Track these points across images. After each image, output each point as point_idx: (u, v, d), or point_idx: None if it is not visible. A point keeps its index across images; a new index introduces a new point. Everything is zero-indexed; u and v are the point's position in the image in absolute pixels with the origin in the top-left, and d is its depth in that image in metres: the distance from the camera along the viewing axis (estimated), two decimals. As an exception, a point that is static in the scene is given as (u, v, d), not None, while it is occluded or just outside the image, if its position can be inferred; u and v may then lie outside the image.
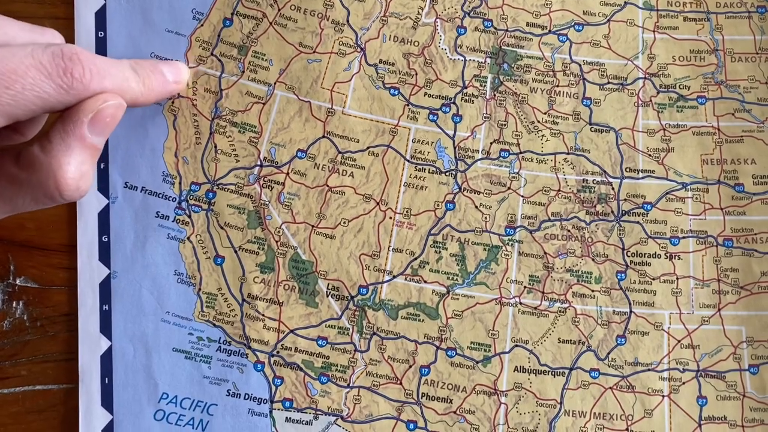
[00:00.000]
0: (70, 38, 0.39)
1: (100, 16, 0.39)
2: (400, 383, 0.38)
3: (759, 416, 0.38)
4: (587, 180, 0.40)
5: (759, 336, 0.38)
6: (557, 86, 0.40)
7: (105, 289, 0.38)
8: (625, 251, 0.39)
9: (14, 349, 0.38)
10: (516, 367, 0.38)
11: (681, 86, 0.40)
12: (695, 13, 0.41)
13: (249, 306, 0.38)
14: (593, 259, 0.39)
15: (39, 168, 0.30)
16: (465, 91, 0.40)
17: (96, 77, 0.31)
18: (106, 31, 0.39)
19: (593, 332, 0.38)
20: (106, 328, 0.38)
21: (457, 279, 0.39)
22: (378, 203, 0.39)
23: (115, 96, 0.32)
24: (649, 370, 0.38)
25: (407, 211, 0.39)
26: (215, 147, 0.39)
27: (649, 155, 0.40)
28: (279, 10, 0.40)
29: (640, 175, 0.40)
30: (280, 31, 0.40)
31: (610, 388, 0.38)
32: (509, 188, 0.40)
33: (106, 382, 0.38)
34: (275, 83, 0.39)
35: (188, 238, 0.39)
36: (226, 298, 0.38)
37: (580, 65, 0.41)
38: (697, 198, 0.40)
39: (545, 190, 0.40)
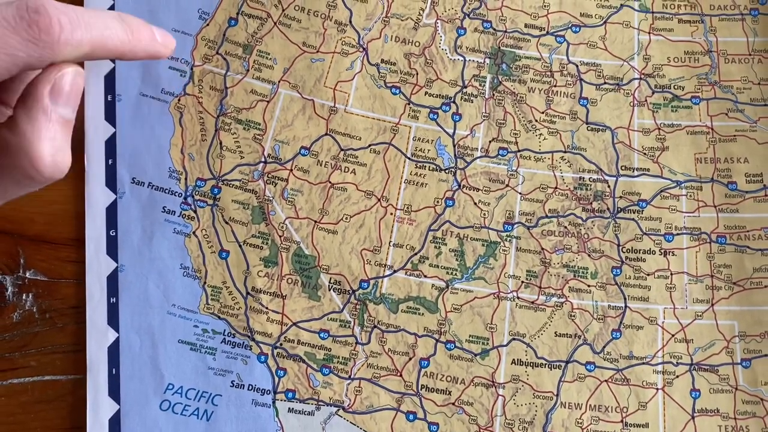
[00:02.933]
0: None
1: (109, 16, 0.40)
2: (400, 375, 0.39)
3: (751, 409, 0.39)
4: (584, 178, 0.41)
5: (751, 331, 0.39)
6: (555, 86, 0.41)
7: (112, 282, 0.39)
8: (620, 247, 0.40)
9: (24, 340, 0.39)
10: (513, 359, 0.39)
11: (675, 87, 0.41)
12: (689, 16, 0.42)
13: (253, 299, 0.39)
14: (589, 255, 0.40)
15: (11, 150, 0.29)
16: (465, 90, 0.41)
17: (66, 27, 0.29)
18: (114, 30, 0.40)
19: (589, 326, 0.39)
20: (113, 320, 0.39)
21: (456, 274, 0.40)
22: (379, 199, 0.40)
23: (71, 64, 0.31)
24: (643, 363, 0.39)
25: (408, 208, 0.40)
26: (220, 144, 0.40)
27: (644, 154, 0.41)
28: (283, 10, 0.41)
29: (636, 173, 0.41)
30: (284, 30, 0.41)
31: (606, 380, 0.39)
32: (507, 185, 0.40)
33: (113, 372, 0.38)
34: (279, 82, 0.40)
35: (194, 233, 0.39)
36: (231, 291, 0.39)
37: (577, 66, 0.42)
38: (691, 196, 0.40)
39: (542, 188, 0.40)
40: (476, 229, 0.40)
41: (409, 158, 0.40)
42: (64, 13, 0.29)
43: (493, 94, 0.41)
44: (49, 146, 0.30)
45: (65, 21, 0.29)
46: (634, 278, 0.40)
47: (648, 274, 0.40)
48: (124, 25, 0.32)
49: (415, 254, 0.40)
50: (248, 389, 0.39)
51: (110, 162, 0.40)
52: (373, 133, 0.41)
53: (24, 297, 0.39)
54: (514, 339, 0.39)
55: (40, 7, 0.29)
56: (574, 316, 0.39)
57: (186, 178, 0.40)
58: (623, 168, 0.41)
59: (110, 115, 0.40)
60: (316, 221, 0.40)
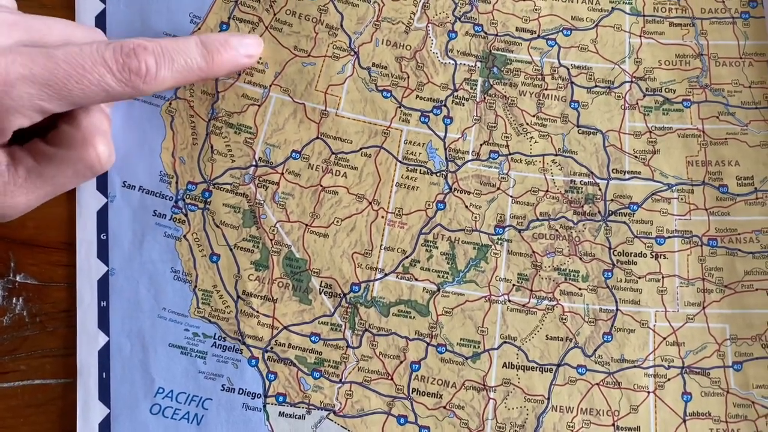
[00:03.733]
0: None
1: (100, 20, 0.40)
2: (391, 379, 0.39)
3: (742, 412, 0.39)
4: (575, 181, 0.41)
5: (742, 334, 0.39)
6: (546, 89, 0.41)
7: (103, 286, 0.39)
8: (611, 250, 0.40)
9: (14, 344, 0.39)
10: (505, 363, 0.39)
11: (667, 90, 0.41)
12: (681, 19, 0.42)
13: (244, 303, 0.39)
14: (580, 258, 0.40)
15: (75, 142, 0.34)
16: (456, 94, 0.41)
17: (152, 69, 0.34)
18: (106, 34, 0.40)
19: (580, 329, 0.39)
20: (103, 324, 0.39)
21: (447, 277, 0.40)
22: (370, 203, 0.40)
23: None
24: (635, 366, 0.39)
25: (399, 211, 0.40)
26: (211, 147, 0.40)
27: (636, 157, 0.41)
28: (274, 14, 0.41)
29: (627, 176, 0.41)
30: (275, 35, 0.41)
31: (597, 384, 0.39)
32: (498, 189, 0.40)
33: (104, 376, 0.38)
34: (270, 86, 0.40)
35: (185, 237, 0.39)
36: (222, 295, 0.39)
37: (568, 69, 0.42)
38: (682, 199, 0.40)
39: (534, 191, 0.40)
40: (467, 232, 0.40)
41: (400, 161, 0.40)
42: (151, 53, 0.34)
43: (485, 98, 0.41)
44: (102, 137, 0.35)
45: (152, 63, 0.34)
46: (626, 281, 0.40)
47: (639, 277, 0.40)
48: (203, 51, 0.36)
49: (407, 257, 0.40)
50: (239, 393, 0.38)
51: (101, 166, 0.40)
52: (365, 136, 0.41)
53: (14, 301, 0.39)
54: (505, 342, 0.39)
55: (132, 52, 0.33)
56: (565, 319, 0.39)
57: (177, 182, 0.40)
58: (614, 171, 0.41)
59: (101, 119, 0.40)
60: (307, 225, 0.40)
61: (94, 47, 0.33)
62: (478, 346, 0.39)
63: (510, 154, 0.41)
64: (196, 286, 0.39)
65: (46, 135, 0.34)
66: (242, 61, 0.39)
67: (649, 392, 0.39)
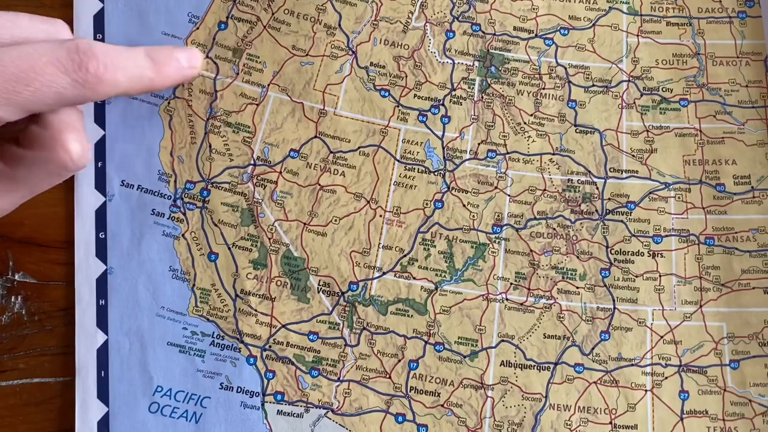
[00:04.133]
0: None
1: (99, 20, 0.41)
2: (389, 377, 0.39)
3: (739, 410, 0.39)
4: (572, 180, 0.41)
5: (739, 332, 0.39)
6: (543, 89, 0.41)
7: (101, 284, 0.39)
8: (609, 249, 0.40)
9: (12, 342, 0.39)
10: (502, 361, 0.39)
11: (664, 89, 0.42)
12: (678, 18, 0.42)
13: (242, 301, 0.39)
14: (578, 257, 0.40)
15: (44, 143, 0.32)
16: (453, 93, 0.41)
17: (109, 69, 0.32)
18: (104, 33, 0.40)
19: (578, 328, 0.39)
20: (102, 323, 0.39)
21: (445, 276, 0.40)
22: (368, 202, 0.40)
23: None
24: (632, 365, 0.39)
25: (397, 210, 0.40)
26: (210, 146, 0.40)
27: (633, 156, 0.41)
28: (273, 14, 0.41)
29: (624, 175, 0.41)
30: (273, 34, 0.41)
31: (594, 382, 0.39)
32: (496, 188, 0.41)
33: (102, 375, 0.38)
34: (269, 85, 0.41)
35: (183, 235, 0.40)
36: (220, 293, 0.39)
37: (565, 68, 0.42)
38: (679, 197, 0.41)
39: (531, 190, 0.41)
40: (465, 231, 0.40)
41: (398, 160, 0.41)
42: (106, 54, 0.32)
43: (482, 97, 0.41)
44: (74, 134, 0.32)
45: (108, 63, 0.32)
46: (623, 280, 0.40)
47: (636, 276, 0.40)
48: (150, 62, 0.35)
49: (404, 256, 0.40)
50: (237, 391, 0.39)
51: (99, 164, 0.40)
52: (363, 135, 0.41)
53: (13, 299, 0.39)
54: (503, 341, 0.39)
55: (89, 51, 0.31)
56: (562, 317, 0.39)
57: (175, 181, 0.40)
58: (612, 170, 0.41)
59: (100, 118, 0.40)
60: (305, 223, 0.40)
61: (47, 47, 0.30)
62: (476, 345, 0.39)
63: (508, 153, 0.41)
64: (194, 285, 0.39)
65: (17, 137, 0.33)
66: (187, 73, 0.38)
67: (646, 390, 0.39)
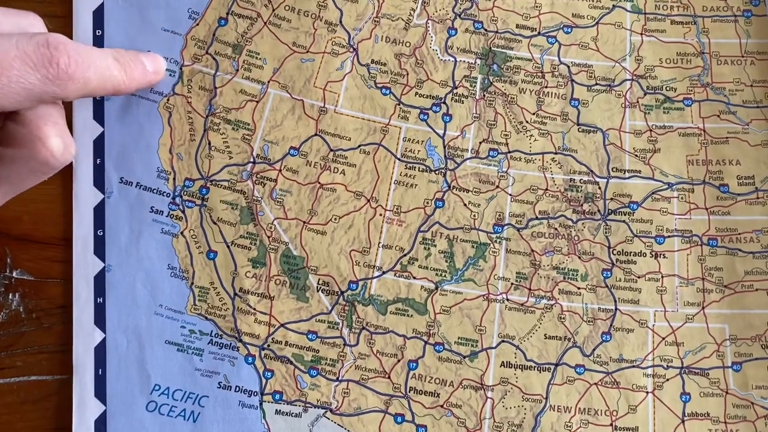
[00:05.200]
0: (68, 36, 0.39)
1: (98, 15, 0.40)
2: (389, 377, 0.39)
3: (741, 413, 0.38)
4: (574, 179, 0.40)
5: (742, 334, 0.39)
6: (546, 87, 0.41)
7: (99, 282, 0.39)
8: (611, 249, 0.40)
9: (10, 340, 0.39)
10: (503, 362, 0.39)
11: (668, 88, 0.41)
12: (682, 17, 0.42)
13: (241, 300, 0.39)
14: (579, 257, 0.40)
15: (23, 140, 0.30)
16: (455, 91, 0.41)
17: (81, 66, 0.31)
18: (103, 29, 0.40)
19: (579, 329, 0.39)
20: (100, 321, 0.39)
21: (445, 275, 0.39)
22: (368, 200, 0.40)
23: None
24: (633, 366, 0.39)
25: (397, 209, 0.40)
26: (209, 144, 0.40)
27: (636, 155, 0.41)
28: (273, 10, 0.41)
29: (627, 175, 0.40)
30: (274, 30, 0.41)
31: (595, 383, 0.39)
32: (498, 187, 0.40)
33: (100, 373, 0.38)
34: (269, 82, 0.40)
35: (182, 233, 0.39)
36: (219, 292, 0.39)
37: (568, 67, 0.41)
38: (682, 198, 0.40)
39: (533, 189, 0.40)
40: (466, 230, 0.40)
41: (399, 159, 0.40)
42: (77, 51, 0.31)
43: (484, 95, 0.41)
44: (56, 129, 0.31)
45: (80, 60, 0.31)
46: (625, 281, 0.39)
47: (639, 277, 0.39)
48: (119, 65, 0.34)
49: (405, 255, 0.40)
50: (235, 390, 0.38)
51: (98, 161, 0.39)
52: (363, 133, 0.40)
53: (10, 297, 0.39)
54: (503, 341, 0.39)
55: (59, 45, 0.30)
56: (563, 318, 0.39)
57: (174, 178, 0.40)
58: (614, 170, 0.40)
59: (98, 115, 0.40)
60: (304, 222, 0.40)
61: (13, 40, 0.29)
62: (476, 345, 0.39)
63: (509, 152, 0.40)
64: (192, 283, 0.39)
65: None
66: (151, 78, 0.38)
67: (647, 392, 0.39)
